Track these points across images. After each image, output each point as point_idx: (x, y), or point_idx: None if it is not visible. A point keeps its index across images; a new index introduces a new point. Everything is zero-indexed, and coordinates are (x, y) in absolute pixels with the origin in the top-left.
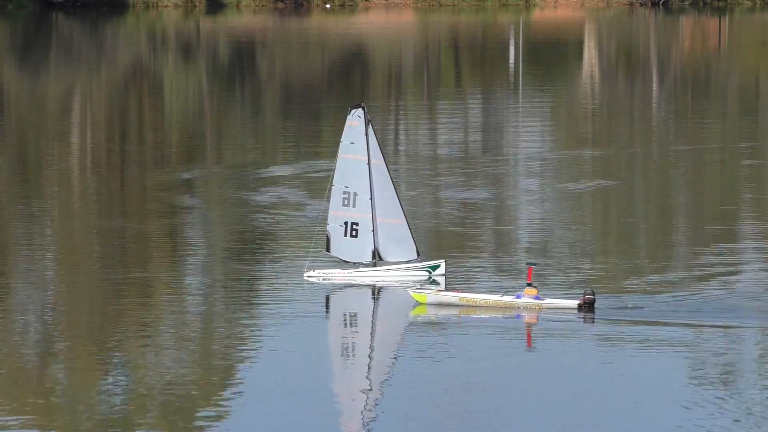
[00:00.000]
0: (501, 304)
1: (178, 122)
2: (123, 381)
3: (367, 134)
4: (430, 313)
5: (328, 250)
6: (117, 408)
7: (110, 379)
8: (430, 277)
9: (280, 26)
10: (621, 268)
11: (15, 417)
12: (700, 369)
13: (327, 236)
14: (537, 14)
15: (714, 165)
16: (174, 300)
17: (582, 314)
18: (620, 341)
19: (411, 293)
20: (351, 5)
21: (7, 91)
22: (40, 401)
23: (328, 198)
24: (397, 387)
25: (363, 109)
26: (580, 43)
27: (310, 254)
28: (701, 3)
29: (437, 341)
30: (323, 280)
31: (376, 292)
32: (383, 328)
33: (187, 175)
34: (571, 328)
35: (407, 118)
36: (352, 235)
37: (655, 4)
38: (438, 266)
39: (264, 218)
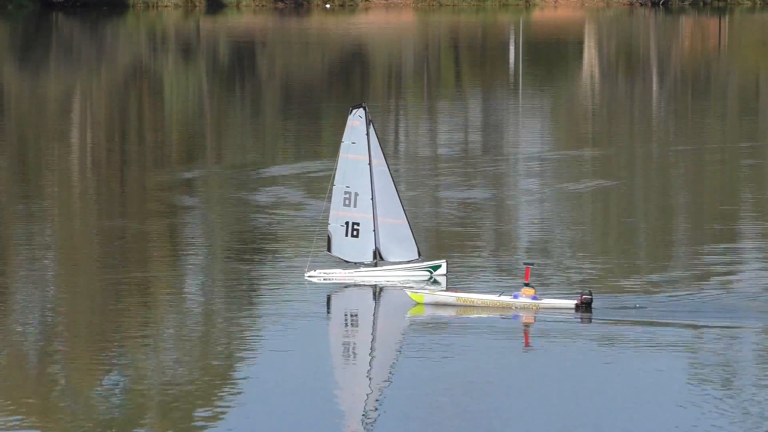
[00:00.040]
0: (498, 304)
1: (178, 122)
2: (123, 381)
3: (368, 134)
4: (428, 313)
5: (329, 250)
6: (117, 408)
7: (110, 379)
8: (431, 277)
9: (280, 26)
10: (620, 268)
11: (15, 417)
12: (699, 369)
13: (328, 236)
14: (537, 14)
15: (714, 165)
16: (174, 300)
17: (579, 314)
18: (619, 341)
19: (408, 293)
20: (351, 5)
21: (7, 91)
22: (39, 401)
23: (329, 198)
24: (397, 387)
25: (364, 109)
26: (580, 43)
27: (310, 254)
28: (701, 3)
29: (437, 341)
30: (324, 280)
31: (377, 292)
32: (384, 328)
33: (187, 175)
34: (569, 328)
35: (407, 118)
36: (353, 235)
37: (655, 4)
38: (439, 266)
39: (264, 218)
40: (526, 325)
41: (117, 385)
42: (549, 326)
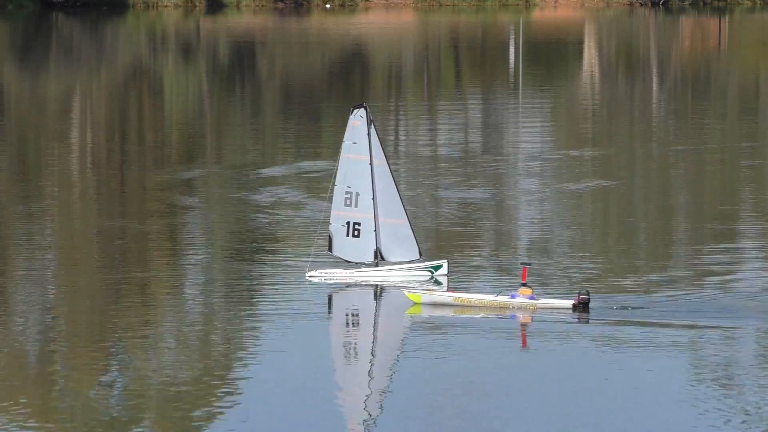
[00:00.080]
0: (496, 304)
1: (178, 122)
2: (123, 381)
3: (369, 134)
4: (427, 314)
5: (330, 250)
6: (117, 408)
7: (110, 379)
8: (432, 277)
9: (280, 26)
10: (620, 268)
11: (15, 417)
12: (698, 369)
13: (329, 236)
14: (537, 14)
15: (714, 165)
16: (174, 300)
17: (577, 314)
18: (618, 341)
19: (405, 293)
20: (351, 5)
21: (7, 91)
22: (39, 401)
23: (330, 198)
24: (397, 387)
25: (365, 109)
26: (580, 43)
27: (311, 254)
28: (701, 3)
29: (437, 341)
30: (325, 280)
31: (378, 292)
32: (384, 328)
33: (187, 175)
34: (568, 328)
35: (407, 118)
36: (354, 235)
37: (655, 4)
38: (440, 266)
39: (264, 218)
40: (524, 325)
41: (117, 384)
42: (548, 326)
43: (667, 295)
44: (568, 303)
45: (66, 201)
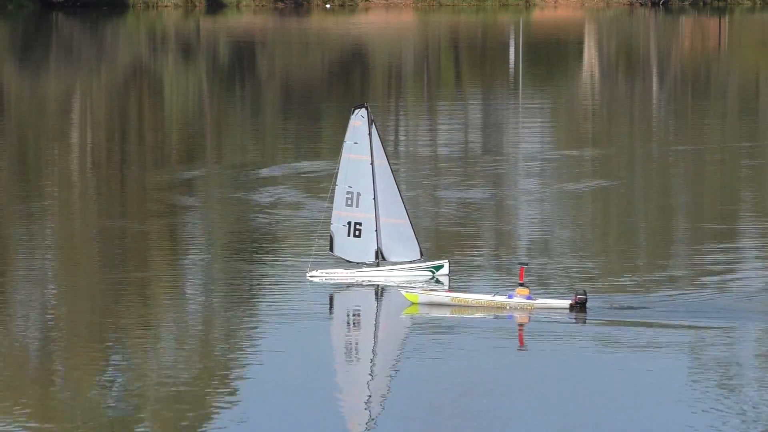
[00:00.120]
0: (493, 304)
1: (178, 122)
2: (122, 381)
3: (370, 134)
4: (425, 313)
5: (331, 249)
6: (116, 408)
7: (110, 379)
8: (433, 277)
9: (280, 26)
10: (620, 268)
11: (15, 417)
12: (698, 369)
13: (330, 236)
14: (537, 14)
15: (714, 165)
16: (174, 300)
17: (574, 314)
18: (618, 341)
19: (403, 293)
20: (351, 5)
21: (7, 91)
22: (39, 401)
23: (331, 198)
24: (398, 387)
25: (366, 109)
26: (580, 43)
27: (312, 254)
28: (701, 3)
29: (437, 341)
30: (326, 279)
31: (379, 292)
32: (385, 329)
33: (187, 175)
34: (566, 328)
35: (407, 118)
36: (355, 235)
37: (655, 4)
38: (441, 266)
39: (265, 218)
40: (521, 325)
41: (117, 384)
42: (547, 327)
43: (666, 295)
44: (565, 303)
45: (66, 201)
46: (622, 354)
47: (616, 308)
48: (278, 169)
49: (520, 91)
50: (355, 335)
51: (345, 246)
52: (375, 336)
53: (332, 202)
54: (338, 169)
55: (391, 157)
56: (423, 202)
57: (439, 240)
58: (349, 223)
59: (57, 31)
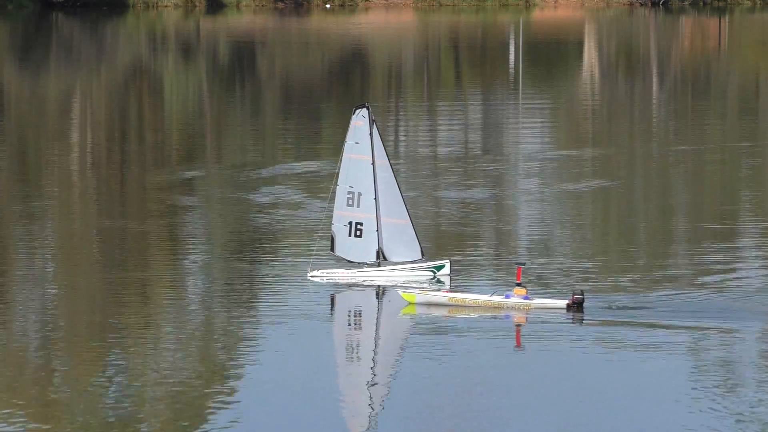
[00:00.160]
0: (490, 304)
1: (178, 122)
2: (122, 380)
3: (371, 134)
4: (424, 313)
5: (332, 249)
6: (117, 408)
7: (110, 379)
8: (434, 277)
9: (280, 26)
10: (619, 267)
11: (14, 417)
12: (698, 369)
13: (332, 236)
14: (537, 14)
15: (714, 165)
16: (174, 300)
17: (571, 314)
18: (617, 341)
19: (400, 293)
20: (351, 5)
21: (7, 91)
22: (39, 401)
23: (332, 198)
24: (398, 387)
25: (367, 109)
26: (580, 43)
27: (313, 254)
28: (701, 3)
29: (437, 341)
30: (327, 279)
31: (380, 292)
32: (385, 329)
33: (187, 175)
34: (564, 328)
35: (407, 118)
36: (356, 235)
37: (655, 4)
38: (443, 266)
39: (265, 218)
40: (519, 325)
41: (117, 384)
42: (545, 326)
43: (666, 295)
44: (562, 303)
45: (66, 201)
46: (620, 354)
47: (618, 308)
48: (278, 169)
49: (520, 91)
50: (355, 335)
51: (346, 246)
52: (375, 336)
53: (333, 202)
54: (339, 169)
55: (391, 157)
56: (423, 202)
57: (438, 240)
58: (350, 223)
59: (57, 31)
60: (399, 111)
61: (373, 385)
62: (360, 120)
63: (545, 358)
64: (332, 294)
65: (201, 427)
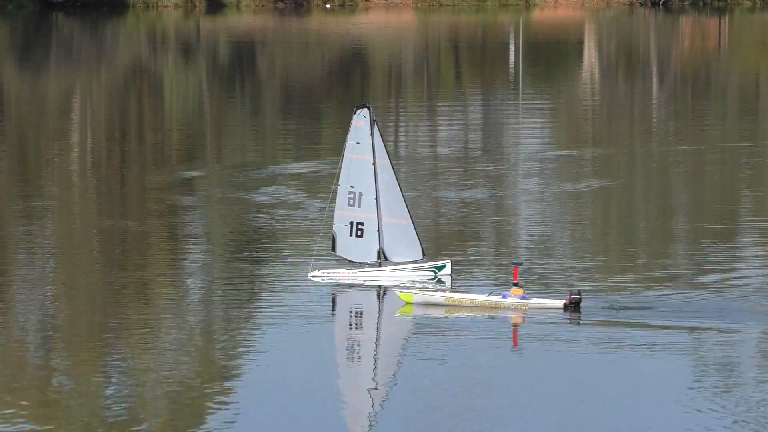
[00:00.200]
0: (487, 304)
1: (178, 122)
2: (123, 381)
3: (372, 134)
4: (421, 313)
5: (333, 249)
6: (116, 408)
7: (110, 379)
8: (435, 277)
9: (280, 26)
10: (619, 267)
11: (14, 417)
12: (698, 370)
13: (333, 236)
14: (537, 14)
15: (714, 165)
16: (174, 300)
17: (568, 314)
18: (616, 341)
19: (397, 293)
20: (351, 5)
21: (7, 91)
22: (39, 401)
23: (333, 198)
24: (398, 387)
25: (368, 109)
26: (580, 43)
27: (314, 254)
28: (701, 3)
29: (437, 341)
30: (327, 279)
31: (381, 292)
32: (386, 329)
33: (187, 175)
34: (563, 328)
35: (407, 118)
36: (357, 235)
37: (655, 4)
38: (444, 266)
39: (265, 218)
40: (516, 325)
41: (116, 384)
42: (546, 327)
43: (665, 295)
44: (560, 303)
45: (66, 201)
46: (620, 354)
47: (619, 308)
48: (278, 169)
49: (520, 91)
50: (356, 335)
51: (347, 246)
52: (376, 336)
53: (334, 202)
54: (340, 169)
55: (391, 156)
56: (423, 202)
57: (439, 240)
58: (351, 223)
59: (57, 31)
60: (399, 111)
61: (373, 386)
62: (361, 120)
63: (545, 358)
64: (333, 294)
65: (201, 427)
